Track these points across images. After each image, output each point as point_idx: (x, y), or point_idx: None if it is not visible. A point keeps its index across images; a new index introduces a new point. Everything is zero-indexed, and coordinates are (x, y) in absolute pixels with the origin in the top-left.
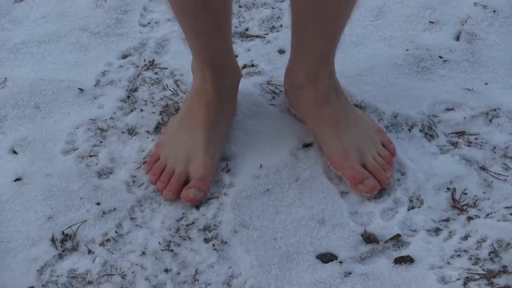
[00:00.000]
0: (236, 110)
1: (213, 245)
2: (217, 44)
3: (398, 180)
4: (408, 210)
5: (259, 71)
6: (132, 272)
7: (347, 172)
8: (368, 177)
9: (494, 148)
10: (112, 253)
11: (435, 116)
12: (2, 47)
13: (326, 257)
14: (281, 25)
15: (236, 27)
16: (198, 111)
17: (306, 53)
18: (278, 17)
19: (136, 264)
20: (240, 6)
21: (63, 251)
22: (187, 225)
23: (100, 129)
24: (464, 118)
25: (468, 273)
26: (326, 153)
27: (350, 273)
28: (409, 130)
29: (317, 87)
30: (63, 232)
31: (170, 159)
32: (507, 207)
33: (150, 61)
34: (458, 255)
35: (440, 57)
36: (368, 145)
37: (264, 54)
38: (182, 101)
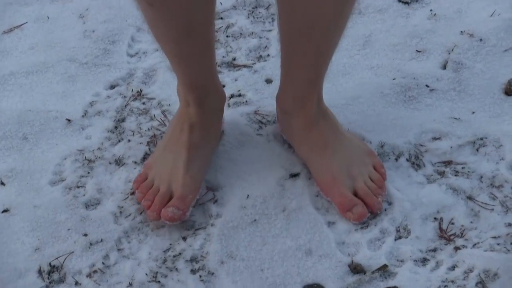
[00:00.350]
0: (221, 133)
1: (200, 276)
2: (200, 69)
3: (385, 210)
4: (395, 240)
5: (246, 101)
6: None
7: (336, 199)
8: (357, 203)
9: (481, 177)
10: (99, 285)
11: (421, 145)
12: None
13: None
14: (268, 55)
15: (223, 56)
16: (181, 133)
17: (294, 79)
18: (266, 47)
19: None
20: (227, 36)
21: (50, 282)
22: (174, 256)
23: (87, 159)
24: (451, 147)
25: None
26: (315, 177)
27: None
28: (396, 159)
29: (305, 112)
30: (50, 264)
31: (156, 179)
32: (494, 237)
33: (137, 91)
34: (445, 286)
35: (427, 86)
36: (359, 168)
37: (251, 84)
38: None
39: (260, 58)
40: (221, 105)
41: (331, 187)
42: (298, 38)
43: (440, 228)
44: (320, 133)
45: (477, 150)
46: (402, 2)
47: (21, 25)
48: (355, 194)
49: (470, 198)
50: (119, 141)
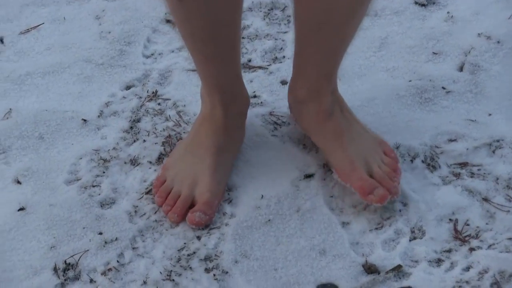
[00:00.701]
0: (244, 137)
1: (214, 275)
2: (226, 70)
3: (400, 210)
4: (410, 241)
5: (261, 102)
6: None
7: (356, 183)
8: (377, 186)
9: (497, 179)
10: (114, 283)
11: (437, 147)
12: (7, 78)
13: None
14: (284, 56)
15: None
16: (206, 136)
17: (309, 70)
18: (281, 48)
19: None
20: (243, 37)
21: (65, 280)
22: (188, 255)
23: (103, 159)
24: (467, 149)
25: None
26: (334, 165)
27: None
28: (411, 161)
29: (320, 102)
30: (65, 262)
31: (176, 182)
32: (510, 238)
33: (153, 92)
34: (460, 287)
35: (443, 88)
36: (373, 155)
37: (266, 85)
38: (184, 132)
39: (275, 59)
40: (245, 109)
41: (350, 173)
42: (314, 27)
43: (455, 229)
44: (336, 123)
45: (493, 152)
46: (419, 4)
47: (38, 26)
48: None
49: (485, 199)
50: (134, 141)
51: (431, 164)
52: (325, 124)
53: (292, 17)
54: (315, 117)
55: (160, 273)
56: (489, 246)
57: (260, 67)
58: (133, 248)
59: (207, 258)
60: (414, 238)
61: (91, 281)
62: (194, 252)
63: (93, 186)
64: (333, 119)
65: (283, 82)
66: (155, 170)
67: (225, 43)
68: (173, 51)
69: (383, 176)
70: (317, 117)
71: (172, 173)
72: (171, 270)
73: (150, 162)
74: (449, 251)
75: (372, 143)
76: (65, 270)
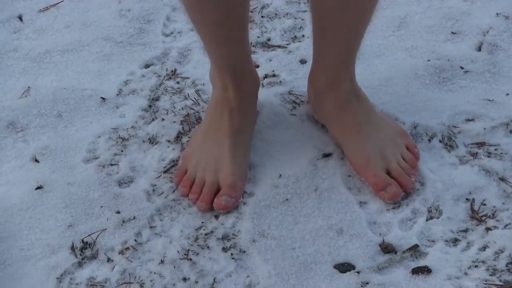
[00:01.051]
0: (256, 118)
1: (231, 254)
2: (237, 51)
3: (417, 190)
4: (427, 220)
5: (280, 81)
6: (151, 281)
7: (370, 179)
8: (391, 183)
9: None
10: (131, 262)
11: (455, 126)
12: (26, 56)
13: (344, 267)
14: (303, 35)
15: (258, 37)
16: (222, 119)
17: (327, 58)
18: (300, 27)
19: (154, 273)
20: (262, 16)
21: (82, 259)
22: (205, 234)
23: (121, 138)
24: (484, 129)
25: (485, 283)
26: (349, 158)
27: (367, 283)
28: (429, 140)
29: (338, 92)
30: (82, 240)
31: (199, 170)
32: None
33: (172, 71)
34: (476, 266)
35: (461, 67)
36: (392, 149)
37: (285, 64)
38: (203, 111)
39: (294, 38)
40: (256, 88)
41: (365, 168)
42: (330, 15)
43: (472, 209)
44: (353, 114)
45: (511, 132)
46: None
47: (57, 3)
48: (389, 174)
49: (502, 179)
50: (153, 119)
51: (449, 143)
52: (343, 114)
53: (309, 4)
54: (333, 107)
55: (178, 252)
56: (505, 226)
57: (279, 46)
58: (151, 227)
59: (225, 237)
60: (431, 218)
61: (109, 260)
62: (212, 231)
63: (111, 165)
64: (350, 110)
65: (302, 61)
66: (173, 149)
67: (237, 23)
68: (192, 30)
69: (400, 172)
70: (335, 106)
71: (193, 161)
72: (189, 249)
73: (169, 141)
74: (466, 230)
75: (392, 135)
76: (82, 249)
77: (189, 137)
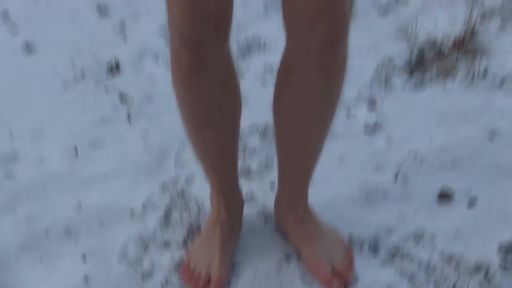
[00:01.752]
0: (241, 229)
1: None
2: (228, 180)
3: (353, 283)
4: None
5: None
6: None
7: (320, 275)
8: (335, 278)
9: (420, 262)
10: None
11: (379, 236)
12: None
13: None
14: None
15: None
16: (215, 233)
17: (288, 185)
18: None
19: None
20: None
21: None
22: None
23: (144, 242)
24: (399, 238)
25: None
26: (305, 260)
27: None
28: (361, 246)
29: (296, 210)
30: None
31: (197, 266)
32: None
33: (181, 191)
34: None
35: (383, 192)
36: (336, 252)
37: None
38: (203, 220)
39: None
40: (241, 208)
41: (316, 267)
42: (292, 155)
43: None
44: (306, 227)
45: (418, 241)
46: (367, 133)
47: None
48: (333, 271)
49: (411, 278)
50: (167, 228)
51: (374, 249)
52: (299, 226)
53: (275, 144)
54: (292, 221)
55: None
56: None
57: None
58: None
59: None
60: None
61: None
62: None
63: (137, 262)
64: (304, 223)
65: (272, 186)
66: (182, 253)
67: (229, 160)
68: (196, 163)
69: (342, 269)
70: (294, 221)
71: (194, 260)
72: None
73: (178, 244)
74: None
75: (335, 242)
76: None
77: (192, 241)
